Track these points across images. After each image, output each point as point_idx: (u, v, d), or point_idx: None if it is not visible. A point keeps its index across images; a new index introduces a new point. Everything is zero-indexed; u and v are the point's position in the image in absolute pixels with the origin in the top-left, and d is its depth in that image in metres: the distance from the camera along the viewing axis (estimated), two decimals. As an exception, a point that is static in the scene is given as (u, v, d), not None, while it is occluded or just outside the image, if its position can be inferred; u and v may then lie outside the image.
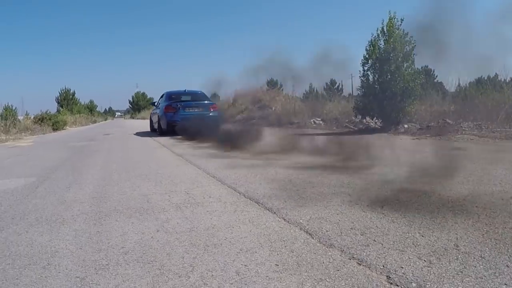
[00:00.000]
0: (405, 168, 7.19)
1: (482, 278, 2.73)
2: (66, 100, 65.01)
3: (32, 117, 34.65)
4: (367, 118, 18.36)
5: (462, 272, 2.83)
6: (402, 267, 2.95)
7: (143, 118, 51.49)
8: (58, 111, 52.38)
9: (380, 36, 16.25)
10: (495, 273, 2.81)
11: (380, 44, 16.19)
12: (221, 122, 19.80)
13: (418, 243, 3.45)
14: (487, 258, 3.05)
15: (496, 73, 21.60)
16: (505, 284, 2.66)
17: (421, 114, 17.12)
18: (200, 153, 11.26)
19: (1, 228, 4.50)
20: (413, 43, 15.80)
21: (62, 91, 66.27)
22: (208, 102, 21.52)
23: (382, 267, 2.97)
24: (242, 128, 19.05)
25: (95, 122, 69.87)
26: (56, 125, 34.60)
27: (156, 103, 24.90)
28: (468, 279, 2.73)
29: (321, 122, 23.05)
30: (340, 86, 47.09)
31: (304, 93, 37.69)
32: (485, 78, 23.05)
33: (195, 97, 21.96)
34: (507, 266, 2.92)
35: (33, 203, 5.68)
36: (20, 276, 3.13)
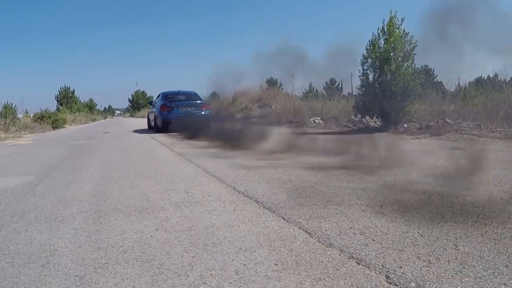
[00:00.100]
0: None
1: (481, 278, 2.73)
2: (66, 98, 65.03)
3: (31, 115, 34.63)
4: (367, 118, 18.36)
5: (461, 272, 2.84)
6: (401, 267, 2.95)
7: (143, 117, 51.56)
8: (57, 109, 52.39)
9: (380, 35, 16.25)
10: (494, 273, 2.81)
11: (380, 44, 16.20)
12: (212, 120, 20.82)
13: (417, 243, 3.45)
14: (486, 258, 3.06)
15: (495, 73, 21.61)
16: (504, 284, 2.66)
17: (421, 114, 17.13)
18: (200, 152, 11.25)
19: (0, 227, 4.50)
20: (413, 43, 15.82)
21: (62, 89, 66.30)
22: (200, 101, 23.17)
23: (381, 267, 2.97)
24: (243, 127, 19.10)
25: (94, 120, 69.82)
26: (56, 124, 34.57)
27: (153, 103, 27.24)
28: (467, 279, 2.73)
29: (320, 121, 23.05)
30: (340, 85, 47.10)
31: (303, 92, 37.68)
32: (485, 78, 23.05)
33: (189, 97, 23.69)
34: (506, 266, 2.92)
35: (32, 202, 5.68)
36: (19, 274, 3.13)
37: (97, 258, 3.41)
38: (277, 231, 3.95)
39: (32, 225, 4.50)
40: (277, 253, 3.33)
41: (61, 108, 55.08)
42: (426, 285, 2.66)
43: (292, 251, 3.36)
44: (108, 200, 5.60)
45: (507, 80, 20.02)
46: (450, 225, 3.91)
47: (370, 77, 16.75)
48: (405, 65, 15.76)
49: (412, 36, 15.85)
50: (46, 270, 3.19)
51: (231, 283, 2.80)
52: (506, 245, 3.33)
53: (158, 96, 25.47)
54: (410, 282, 2.72)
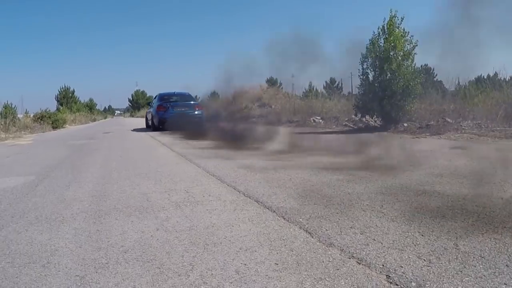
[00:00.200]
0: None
1: (481, 278, 2.73)
2: (66, 98, 64.99)
3: (31, 116, 34.63)
4: (367, 117, 18.37)
5: (461, 271, 2.84)
6: (402, 266, 2.95)
7: (143, 117, 51.58)
8: (57, 109, 52.36)
9: (380, 34, 16.25)
10: (494, 272, 2.81)
11: (380, 43, 16.20)
12: (211, 120, 23.56)
13: (418, 243, 3.45)
14: (487, 258, 3.06)
15: (495, 72, 21.62)
16: (504, 283, 2.66)
17: (421, 113, 17.12)
18: (200, 152, 11.26)
19: (0, 227, 4.50)
20: (414, 43, 15.83)
21: (62, 89, 66.26)
22: (193, 102, 25.31)
23: (381, 266, 2.97)
24: (243, 127, 19.16)
25: (94, 120, 69.81)
26: (56, 124, 34.56)
27: (150, 103, 29.45)
28: (467, 278, 2.73)
29: (320, 120, 23.06)
30: (340, 85, 47.07)
31: (303, 91, 37.68)
32: (485, 77, 23.05)
33: (183, 98, 25.64)
34: (506, 265, 2.92)
35: (32, 202, 5.68)
36: (20, 274, 3.13)
37: (97, 258, 3.41)
38: (277, 230, 3.95)
39: (32, 225, 4.50)
40: (277, 253, 3.33)
41: (61, 108, 55.05)
42: (426, 285, 2.66)
43: (292, 251, 3.36)
44: (109, 200, 5.60)
45: (507, 79, 20.04)
46: (451, 225, 3.91)
47: (370, 76, 16.76)
48: (405, 64, 15.75)
49: (412, 36, 15.88)
50: (47, 270, 3.19)
51: (231, 282, 2.80)
52: (507, 245, 3.33)
53: (155, 97, 27.38)
54: (411, 281, 2.72)
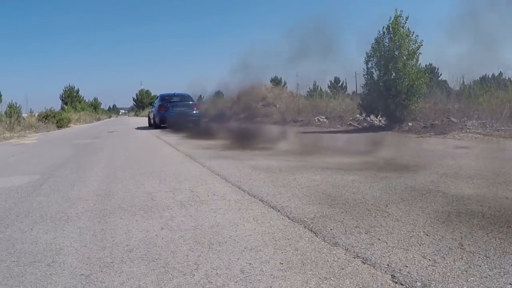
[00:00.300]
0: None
1: (487, 278, 2.73)
2: (70, 97, 65.15)
3: (36, 115, 34.71)
4: (372, 116, 18.35)
5: (467, 271, 2.83)
6: (407, 266, 2.95)
7: (147, 116, 51.71)
8: (62, 108, 52.51)
9: (385, 33, 16.24)
10: (500, 272, 2.81)
11: (385, 42, 16.19)
12: (201, 118, 25.99)
13: (423, 242, 3.45)
14: (492, 258, 3.05)
15: (500, 71, 21.59)
16: (510, 283, 2.65)
17: (425, 112, 17.08)
18: (205, 151, 11.25)
19: (6, 226, 4.52)
20: (419, 43, 15.82)
21: (66, 89, 66.44)
22: (192, 102, 27.55)
23: (386, 266, 2.97)
24: (247, 126, 19.20)
25: (99, 119, 69.87)
26: (60, 123, 34.61)
27: (152, 103, 32.31)
28: (473, 278, 2.72)
29: (325, 120, 23.05)
30: (344, 84, 47.01)
31: (308, 91, 37.67)
32: (489, 76, 23.02)
33: (182, 98, 27.72)
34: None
35: (37, 201, 5.69)
36: (25, 273, 3.14)
37: (102, 257, 3.41)
38: (282, 230, 3.95)
39: (37, 224, 4.51)
40: (282, 252, 3.33)
41: (66, 107, 55.20)
42: (432, 285, 2.66)
43: (297, 250, 3.36)
44: (113, 199, 5.61)
45: (511, 79, 20.00)
46: (456, 224, 3.90)
47: (375, 76, 16.74)
48: (410, 63, 15.74)
49: (417, 35, 15.87)
50: (52, 269, 3.20)
51: (236, 282, 2.80)
52: (512, 244, 3.32)
53: (157, 98, 30.32)
54: (416, 281, 2.71)
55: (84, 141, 17.63)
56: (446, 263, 2.98)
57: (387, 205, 4.67)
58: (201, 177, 7.00)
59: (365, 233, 3.74)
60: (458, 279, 2.72)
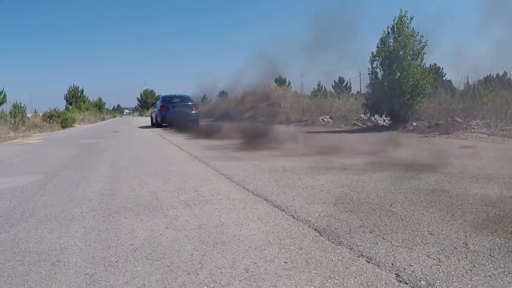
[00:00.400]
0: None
1: (491, 277, 2.73)
2: (75, 97, 65.23)
3: (40, 115, 34.79)
4: (376, 116, 18.34)
5: (471, 270, 2.83)
6: (411, 265, 2.95)
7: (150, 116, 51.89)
8: (66, 108, 52.58)
9: (390, 33, 16.23)
10: (504, 271, 2.81)
11: (390, 42, 16.18)
12: (199, 118, 28.15)
13: (427, 241, 3.44)
14: (496, 257, 3.05)
15: (505, 71, 21.56)
16: (514, 282, 2.65)
17: (430, 112, 17.06)
18: (209, 151, 11.27)
19: (10, 225, 4.53)
20: (423, 42, 15.80)
21: (71, 89, 66.50)
22: (191, 103, 29.09)
23: (391, 265, 2.97)
24: (251, 126, 19.25)
25: (103, 119, 69.97)
26: (65, 123, 34.69)
27: (155, 104, 34.82)
28: (477, 277, 2.72)
29: (329, 119, 23.05)
30: (349, 84, 46.99)
31: (312, 91, 37.70)
32: (494, 76, 22.98)
33: (182, 99, 29.54)
34: (516, 264, 2.91)
35: (42, 200, 5.71)
36: (30, 272, 3.15)
37: (107, 256, 3.42)
38: (286, 229, 3.95)
39: (42, 224, 4.52)
40: (286, 251, 3.33)
41: (70, 107, 55.26)
42: (436, 284, 2.66)
43: (301, 249, 3.36)
44: (118, 198, 5.61)
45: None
46: (460, 224, 3.90)
47: (379, 75, 16.72)
48: (415, 63, 15.73)
49: (422, 36, 15.85)
50: (57, 268, 3.20)
51: (241, 281, 2.81)
52: (517, 244, 3.32)
53: (158, 99, 33.88)
54: (420, 280, 2.71)
55: (89, 141, 17.67)
56: (451, 262, 2.98)
57: (391, 205, 4.67)
58: (206, 177, 7.01)
59: (370, 232, 3.74)
60: (462, 278, 2.72)
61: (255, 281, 2.79)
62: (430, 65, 17.69)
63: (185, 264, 3.15)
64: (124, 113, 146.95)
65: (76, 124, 40.85)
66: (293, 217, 4.35)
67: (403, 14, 15.93)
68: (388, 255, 3.16)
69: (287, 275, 2.87)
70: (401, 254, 3.17)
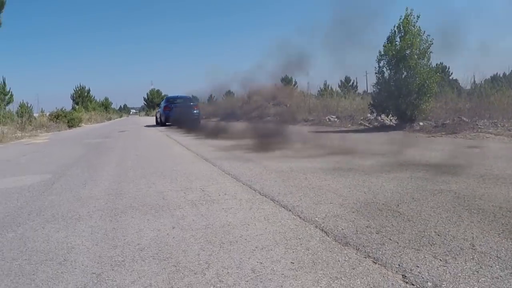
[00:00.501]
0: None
1: (498, 278, 2.72)
2: (81, 97, 65.38)
3: (47, 114, 34.92)
4: (382, 116, 18.31)
5: (478, 272, 2.82)
6: (418, 266, 2.94)
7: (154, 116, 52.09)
8: (73, 108, 52.74)
9: (396, 32, 16.20)
10: (511, 273, 2.80)
11: (397, 41, 16.15)
12: (200, 117, 30.78)
13: (434, 242, 3.43)
14: (503, 258, 3.04)
15: (511, 70, 21.50)
16: (521, 284, 2.65)
17: (436, 112, 17.02)
18: (216, 150, 11.29)
19: (17, 224, 4.54)
20: (429, 41, 15.76)
21: (77, 89, 66.62)
22: (192, 104, 32.00)
23: (397, 266, 2.96)
24: (258, 125, 19.28)
25: (110, 119, 70.19)
26: (72, 122, 34.83)
27: (159, 104, 37.77)
28: (484, 279, 2.72)
29: (336, 119, 23.03)
30: (355, 83, 46.94)
31: (318, 90, 37.73)
32: (500, 75, 22.92)
33: (184, 100, 32.38)
34: (523, 266, 2.91)
35: (49, 200, 5.72)
36: (37, 271, 3.16)
37: (114, 255, 3.43)
38: (293, 229, 3.95)
39: (49, 223, 4.53)
40: (293, 252, 3.33)
41: (77, 107, 55.43)
42: (443, 285, 2.65)
43: (308, 250, 3.36)
44: (125, 198, 5.63)
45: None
46: (467, 225, 3.89)
47: (386, 75, 16.69)
48: (421, 63, 15.70)
49: (429, 35, 15.82)
50: (63, 267, 3.21)
51: (247, 281, 2.81)
52: (524, 245, 3.31)
53: (162, 100, 37.39)
54: (427, 281, 2.71)
55: (95, 140, 17.72)
56: (457, 263, 2.97)
57: (398, 205, 4.66)
58: (212, 177, 7.01)
59: (376, 233, 3.73)
60: (469, 279, 2.71)
61: (261, 282, 2.79)
62: (436, 64, 17.64)
63: (192, 264, 3.16)
64: (131, 112, 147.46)
65: (82, 124, 41.02)
66: (300, 217, 4.35)
67: (409, 12, 15.90)
68: (394, 256, 3.15)
69: (293, 275, 2.87)
70: (408, 255, 3.17)
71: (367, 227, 3.93)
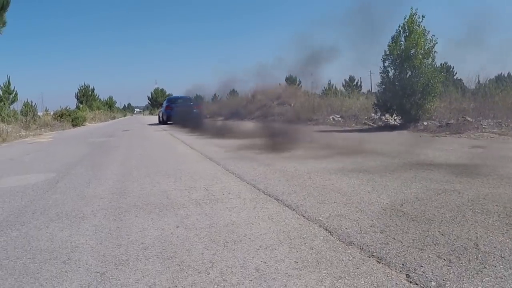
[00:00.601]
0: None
1: (502, 278, 2.72)
2: (86, 96, 65.44)
3: (51, 113, 35.02)
4: (387, 115, 18.29)
5: (482, 271, 2.82)
6: (422, 266, 2.94)
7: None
8: (77, 107, 52.77)
9: (401, 32, 16.18)
10: (515, 272, 2.80)
11: (401, 41, 16.13)
12: (201, 116, 31.33)
13: (438, 242, 3.43)
14: (507, 258, 3.03)
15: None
16: (525, 284, 2.64)
17: (440, 111, 16.99)
18: (219, 150, 11.28)
19: (22, 223, 4.55)
20: (434, 41, 15.74)
21: (82, 87, 66.68)
22: (192, 103, 34.60)
23: (401, 266, 2.96)
24: (262, 124, 19.29)
25: (114, 118, 70.25)
26: (76, 121, 34.92)
27: (162, 104, 39.73)
28: (488, 278, 2.71)
29: (340, 118, 23.00)
30: (359, 83, 46.93)
31: (322, 90, 37.72)
32: (505, 75, 22.88)
33: (185, 100, 35.17)
34: (527, 265, 2.90)
35: (53, 198, 5.73)
36: (41, 270, 3.16)
37: (118, 254, 3.43)
38: (297, 229, 3.95)
39: (53, 222, 4.54)
40: (297, 251, 3.33)
41: (81, 106, 55.46)
42: (446, 285, 2.65)
43: (312, 249, 3.36)
44: (129, 197, 5.63)
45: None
46: (471, 224, 3.88)
47: (390, 74, 16.67)
48: (426, 62, 15.68)
49: (433, 35, 15.80)
50: (67, 266, 3.22)
51: (251, 280, 2.81)
52: (528, 245, 3.30)
53: (165, 100, 40.16)
54: (431, 281, 2.71)
55: (99, 139, 17.73)
56: (461, 263, 2.97)
57: (402, 204, 4.66)
58: (216, 176, 7.02)
59: (380, 232, 3.73)
60: (473, 279, 2.71)
61: (265, 281, 2.79)
62: (441, 64, 17.62)
63: (196, 263, 3.16)
64: (135, 111, 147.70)
65: (87, 123, 41.11)
66: (304, 216, 4.35)
67: (413, 12, 15.89)
68: (398, 255, 3.15)
69: (297, 274, 2.87)
70: (412, 254, 3.16)
71: (371, 226, 3.93)
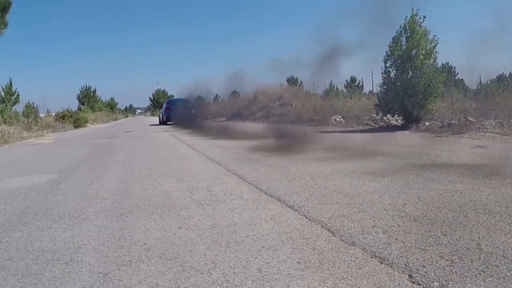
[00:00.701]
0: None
1: (504, 278, 2.71)
2: (87, 97, 65.55)
3: (53, 115, 35.10)
4: (388, 116, 18.27)
5: (484, 272, 2.82)
6: (424, 266, 2.94)
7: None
8: (79, 108, 52.83)
9: (402, 33, 16.17)
10: (518, 273, 2.79)
11: (403, 41, 16.12)
12: (198, 117, 32.15)
13: (440, 242, 3.43)
14: (510, 258, 3.03)
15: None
16: (528, 284, 2.64)
17: (442, 112, 16.97)
18: (221, 150, 11.31)
19: (24, 224, 4.56)
20: (435, 41, 15.72)
21: (83, 89, 66.79)
22: (190, 105, 35.83)
23: (404, 266, 2.96)
24: (266, 126, 19.31)
25: (116, 119, 70.32)
26: (77, 123, 35.04)
27: (162, 106, 42.82)
28: (490, 279, 2.71)
29: (341, 119, 22.98)
30: (361, 83, 46.92)
31: (324, 90, 37.68)
32: (507, 75, 22.85)
33: (183, 102, 37.04)
34: (530, 265, 2.90)
35: (55, 200, 5.74)
36: (43, 271, 3.17)
37: (120, 255, 3.43)
38: (299, 229, 3.95)
39: (55, 223, 4.54)
40: (299, 252, 3.33)
41: (83, 107, 55.52)
42: (449, 285, 2.65)
43: (314, 250, 3.36)
44: (131, 198, 5.64)
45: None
46: (473, 224, 3.88)
47: (392, 75, 16.65)
48: (427, 63, 15.66)
49: (435, 35, 15.78)
50: (70, 267, 3.22)
51: (254, 281, 2.81)
52: (531, 245, 3.30)
53: (165, 102, 43.37)
54: (433, 281, 2.71)
55: (101, 140, 17.75)
56: (464, 263, 2.97)
57: (404, 205, 4.66)
58: (218, 177, 7.02)
59: (383, 233, 3.73)
60: (475, 279, 2.70)
61: (268, 281, 2.79)
62: (442, 64, 17.60)
63: (198, 263, 3.16)
64: (137, 113, 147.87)
65: (88, 124, 41.24)
66: (306, 217, 4.35)
67: (415, 13, 15.87)
68: (401, 256, 3.15)
69: (300, 275, 2.87)
70: (414, 254, 3.16)
71: (373, 227, 3.93)
